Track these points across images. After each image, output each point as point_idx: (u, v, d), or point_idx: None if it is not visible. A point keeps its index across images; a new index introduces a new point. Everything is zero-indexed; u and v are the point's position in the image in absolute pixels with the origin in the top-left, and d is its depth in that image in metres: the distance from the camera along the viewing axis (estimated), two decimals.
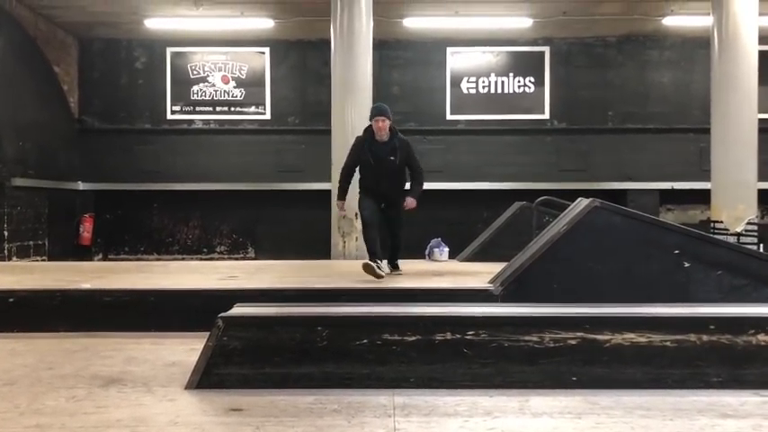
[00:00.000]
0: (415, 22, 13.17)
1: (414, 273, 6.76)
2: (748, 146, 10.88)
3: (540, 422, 2.95)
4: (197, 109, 14.54)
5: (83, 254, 13.63)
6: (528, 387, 3.38)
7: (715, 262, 5.23)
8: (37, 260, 12.18)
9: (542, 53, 14.51)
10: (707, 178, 11.54)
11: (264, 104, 14.52)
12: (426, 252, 9.02)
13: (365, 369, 3.42)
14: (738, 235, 10.37)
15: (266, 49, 14.46)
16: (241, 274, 6.70)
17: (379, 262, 5.97)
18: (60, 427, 2.82)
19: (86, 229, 13.90)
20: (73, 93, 14.26)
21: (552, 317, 3.58)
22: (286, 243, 13.64)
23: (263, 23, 13.14)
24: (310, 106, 14.26)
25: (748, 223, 10.75)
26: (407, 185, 6.61)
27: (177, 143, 14.26)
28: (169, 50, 14.45)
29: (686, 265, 5.22)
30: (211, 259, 14.20)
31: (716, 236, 9.02)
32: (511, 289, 5.18)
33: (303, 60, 14.47)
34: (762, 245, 10.43)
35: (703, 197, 12.03)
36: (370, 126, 6.41)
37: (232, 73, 14.51)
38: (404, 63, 14.51)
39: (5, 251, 11.33)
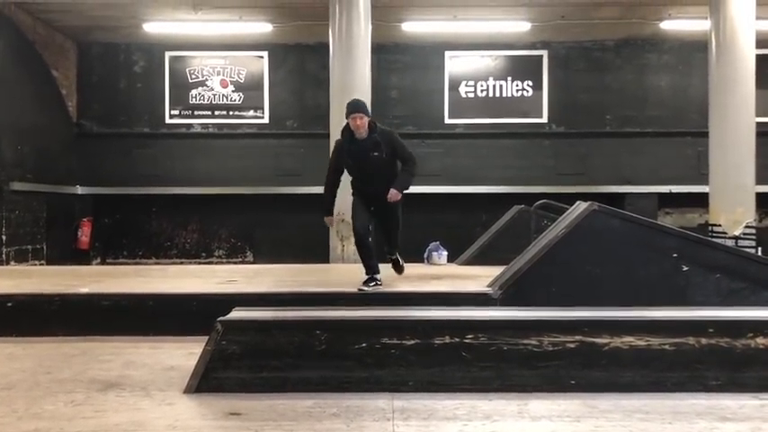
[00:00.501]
0: (414, 26, 13.19)
1: (412, 276, 6.76)
2: (746, 149, 10.89)
3: (539, 426, 2.95)
4: (196, 113, 14.54)
5: (81, 258, 13.61)
6: (527, 390, 3.38)
7: (713, 265, 5.24)
8: (35, 264, 12.16)
9: (540, 57, 14.53)
10: (705, 182, 11.55)
11: (263, 108, 14.53)
12: (425, 256, 9.02)
13: (364, 373, 3.42)
14: (737, 238, 10.37)
15: (265, 53, 14.47)
16: (240, 278, 6.70)
17: (377, 279, 5.80)
18: None
19: (85, 234, 13.88)
20: (71, 97, 14.26)
21: (551, 320, 3.59)
22: (285, 247, 13.63)
23: (261, 28, 13.16)
24: (309, 110, 14.27)
25: (746, 226, 10.76)
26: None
27: (176, 147, 14.26)
28: (168, 54, 14.45)
29: (684, 268, 5.22)
30: (210, 263, 14.19)
31: (714, 239, 9.03)
32: (510, 292, 5.18)
33: (302, 64, 14.49)
34: (760, 248, 10.43)
35: (701, 200, 12.03)
36: (348, 125, 6.00)
37: (231, 77, 14.51)
38: (402, 67, 14.53)
39: (3, 255, 11.32)
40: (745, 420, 3.02)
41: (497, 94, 14.52)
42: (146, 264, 13.83)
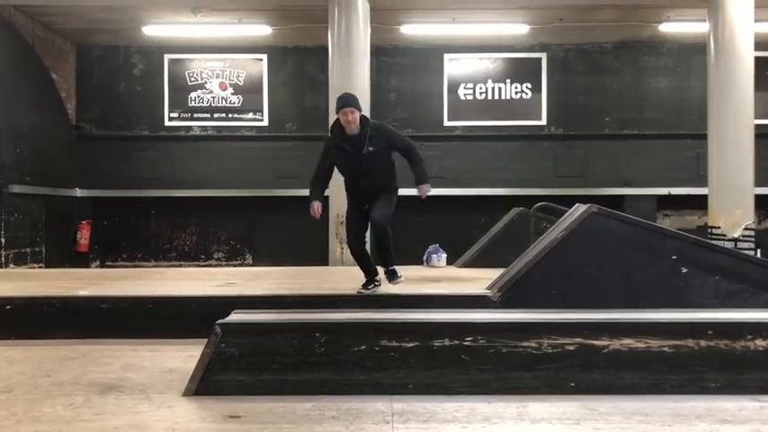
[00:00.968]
0: (413, 29, 13.20)
1: (412, 279, 6.76)
2: (745, 151, 10.90)
3: (538, 428, 2.95)
4: (195, 116, 14.54)
5: (80, 261, 13.59)
6: (526, 393, 3.38)
7: (712, 267, 5.24)
8: (34, 267, 12.15)
9: (539, 59, 14.55)
10: (704, 184, 11.55)
11: (262, 111, 14.53)
12: (424, 258, 9.03)
13: (363, 375, 3.42)
14: (736, 240, 10.38)
15: (264, 56, 14.47)
16: (239, 281, 6.70)
17: (376, 281, 5.77)
18: None
19: (84, 236, 13.87)
20: (71, 99, 14.26)
21: (550, 323, 3.59)
22: (284, 249, 13.63)
23: (260, 30, 13.16)
24: (308, 113, 14.27)
25: (745, 228, 10.76)
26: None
27: (175, 150, 14.25)
28: (167, 57, 14.45)
29: (684, 270, 5.23)
30: (209, 266, 14.17)
31: (713, 241, 9.03)
32: (509, 295, 5.18)
33: (301, 67, 14.49)
34: (759, 250, 10.44)
35: (701, 203, 12.04)
36: (338, 120, 5.71)
37: (230, 80, 14.52)
38: (401, 69, 14.54)
39: (2, 258, 11.31)
40: (745, 423, 3.02)
41: (496, 97, 14.53)
42: (145, 266, 13.82)
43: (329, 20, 11.00)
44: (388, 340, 3.45)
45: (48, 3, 11.89)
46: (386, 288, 5.80)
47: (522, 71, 14.54)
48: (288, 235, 13.87)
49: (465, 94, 14.53)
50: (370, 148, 5.62)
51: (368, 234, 6.05)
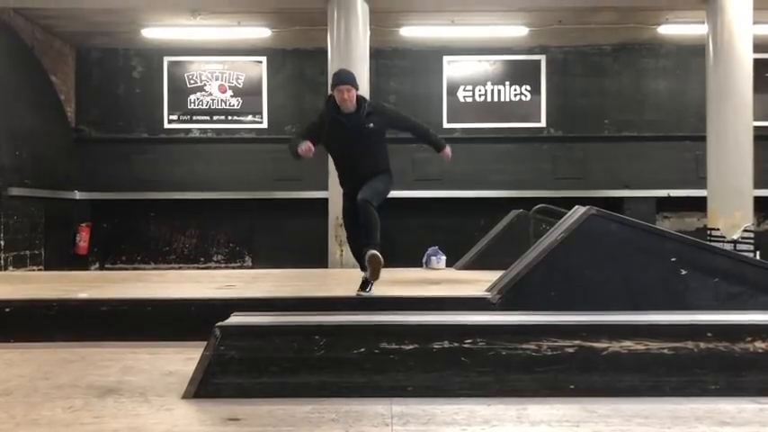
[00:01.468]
0: (412, 31, 13.21)
1: (411, 281, 6.76)
2: (744, 153, 10.90)
3: (538, 431, 2.95)
4: (194, 118, 14.54)
5: (79, 263, 13.58)
6: (526, 395, 3.38)
7: (712, 269, 5.24)
8: (33, 270, 12.15)
9: (538, 61, 14.56)
10: (703, 186, 11.56)
11: (261, 113, 14.53)
12: (423, 260, 9.02)
13: (363, 378, 3.42)
14: (735, 242, 10.38)
15: (263, 59, 14.48)
16: (238, 283, 6.69)
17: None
18: None
19: (83, 239, 13.86)
20: (70, 102, 14.26)
21: (550, 325, 3.59)
22: (283, 252, 13.62)
23: (260, 33, 13.17)
24: (307, 115, 14.20)
25: (745, 230, 10.76)
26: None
27: (174, 152, 14.25)
28: (166, 60, 14.46)
29: (683, 272, 5.23)
30: (208, 268, 14.17)
31: (712, 243, 9.04)
32: (508, 297, 5.17)
33: (300, 69, 14.50)
34: (758, 252, 10.45)
35: (700, 205, 12.05)
36: (332, 97, 5.38)
37: (229, 82, 14.52)
38: (400, 72, 14.54)
39: (2, 261, 11.30)
40: (745, 425, 3.02)
41: (495, 99, 14.54)
42: (144, 269, 13.81)
43: (328, 22, 11.02)
44: (387, 342, 3.45)
45: (47, 5, 11.89)
46: (385, 291, 5.79)
47: (521, 73, 14.55)
48: (287, 237, 13.88)
49: (464, 97, 14.54)
50: (370, 125, 5.35)
51: None
